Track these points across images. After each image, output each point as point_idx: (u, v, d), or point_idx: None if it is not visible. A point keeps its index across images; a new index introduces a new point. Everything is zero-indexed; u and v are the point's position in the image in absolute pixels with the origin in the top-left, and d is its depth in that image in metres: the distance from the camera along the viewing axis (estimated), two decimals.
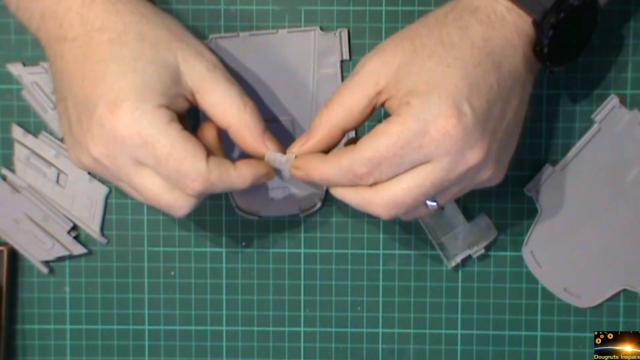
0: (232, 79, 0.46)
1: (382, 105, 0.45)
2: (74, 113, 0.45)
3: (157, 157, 0.43)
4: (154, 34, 0.44)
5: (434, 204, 0.45)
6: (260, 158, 0.47)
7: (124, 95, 0.43)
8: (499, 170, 0.46)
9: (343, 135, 0.46)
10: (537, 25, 0.44)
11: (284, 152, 0.47)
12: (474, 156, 0.43)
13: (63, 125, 0.47)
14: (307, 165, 0.46)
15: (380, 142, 0.43)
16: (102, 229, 0.55)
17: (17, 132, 0.55)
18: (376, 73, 0.44)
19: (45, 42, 0.46)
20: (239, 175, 0.45)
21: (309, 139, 0.46)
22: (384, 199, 0.44)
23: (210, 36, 0.53)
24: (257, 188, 0.54)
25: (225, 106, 0.45)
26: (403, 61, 0.44)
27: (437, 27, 0.44)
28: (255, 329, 0.56)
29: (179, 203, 0.45)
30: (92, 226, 0.55)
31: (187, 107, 0.46)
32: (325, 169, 0.45)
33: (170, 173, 0.43)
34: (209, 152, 0.45)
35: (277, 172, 0.48)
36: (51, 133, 0.55)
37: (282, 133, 0.54)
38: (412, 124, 0.42)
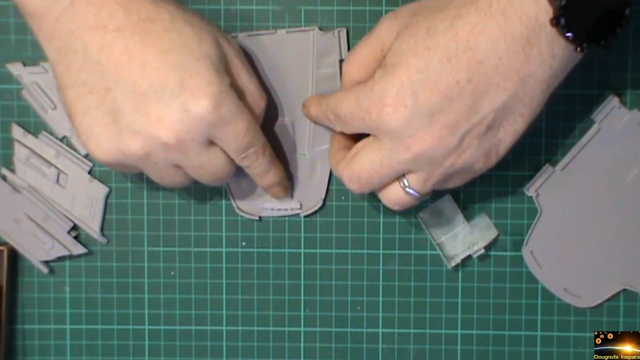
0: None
1: None
2: (128, 102, 0.45)
3: (236, 131, 0.47)
4: (195, 19, 0.47)
5: (412, 191, 0.47)
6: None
7: (202, 80, 0.45)
8: (488, 159, 0.47)
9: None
10: None
11: None
12: (414, 145, 0.44)
13: (92, 118, 0.46)
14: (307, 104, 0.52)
15: (342, 101, 0.47)
16: (102, 229, 0.56)
17: (17, 132, 0.55)
18: (382, 38, 0.48)
19: (66, 32, 0.45)
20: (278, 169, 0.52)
21: None
22: (346, 173, 0.48)
23: None
24: (258, 188, 0.54)
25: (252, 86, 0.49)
26: (399, 31, 0.46)
27: (437, 8, 0.45)
28: (255, 329, 0.56)
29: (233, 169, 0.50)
30: (92, 226, 0.55)
31: None
32: (310, 110, 0.52)
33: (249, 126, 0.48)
34: None
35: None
36: (51, 133, 0.55)
37: (282, 133, 0.54)
38: (361, 97, 0.46)
